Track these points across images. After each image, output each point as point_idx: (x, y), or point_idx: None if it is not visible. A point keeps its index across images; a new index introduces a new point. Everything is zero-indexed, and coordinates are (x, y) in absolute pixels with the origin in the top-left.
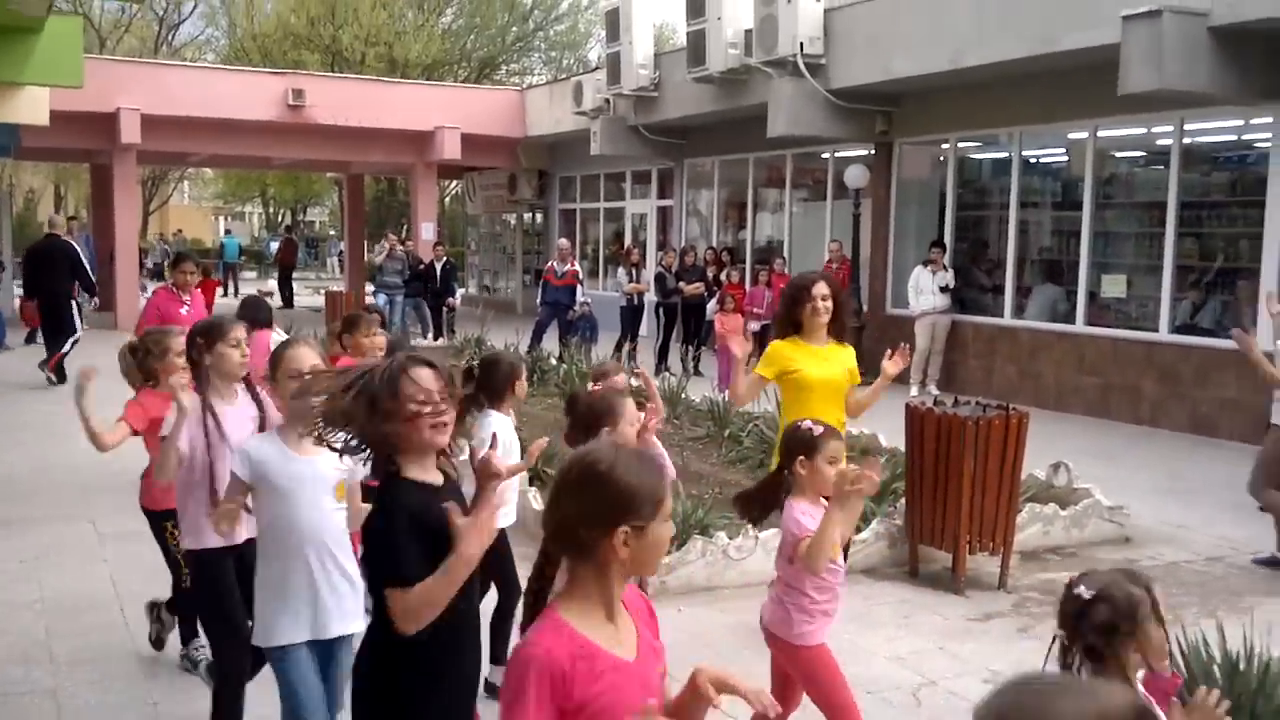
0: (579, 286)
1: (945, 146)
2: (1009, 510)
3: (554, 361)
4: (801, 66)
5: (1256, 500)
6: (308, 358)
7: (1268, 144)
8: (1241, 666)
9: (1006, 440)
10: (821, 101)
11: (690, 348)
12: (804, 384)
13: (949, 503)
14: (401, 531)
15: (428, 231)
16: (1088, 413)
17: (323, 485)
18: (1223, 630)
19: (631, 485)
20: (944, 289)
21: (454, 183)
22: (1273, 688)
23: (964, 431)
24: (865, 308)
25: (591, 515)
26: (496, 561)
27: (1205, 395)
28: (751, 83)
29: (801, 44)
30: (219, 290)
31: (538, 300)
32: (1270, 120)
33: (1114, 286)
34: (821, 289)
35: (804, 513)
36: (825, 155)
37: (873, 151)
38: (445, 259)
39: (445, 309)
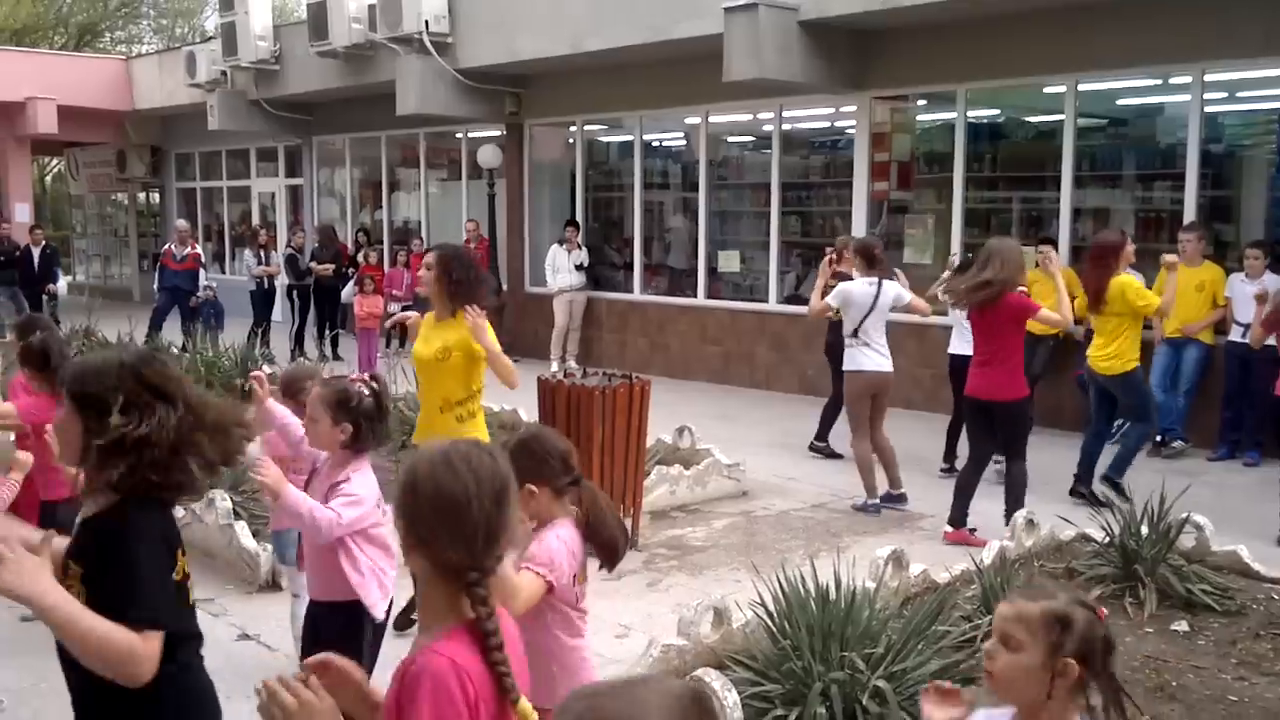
0: (201, 270)
1: (574, 129)
2: (637, 473)
3: (175, 350)
4: (428, 44)
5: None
6: None
7: (853, 130)
8: (832, 596)
9: (631, 407)
10: (450, 80)
11: (327, 331)
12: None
13: (582, 470)
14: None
15: (22, 213)
16: (710, 379)
17: None
18: (815, 565)
19: None
20: (579, 267)
21: (55, 160)
22: (858, 613)
23: (592, 401)
24: (505, 287)
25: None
26: None
27: (811, 359)
28: (378, 59)
29: (426, 21)
30: None
31: (155, 286)
32: (854, 108)
33: (729, 262)
34: (428, 258)
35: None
36: (459, 135)
37: (504, 132)
38: (45, 243)
39: (46, 297)
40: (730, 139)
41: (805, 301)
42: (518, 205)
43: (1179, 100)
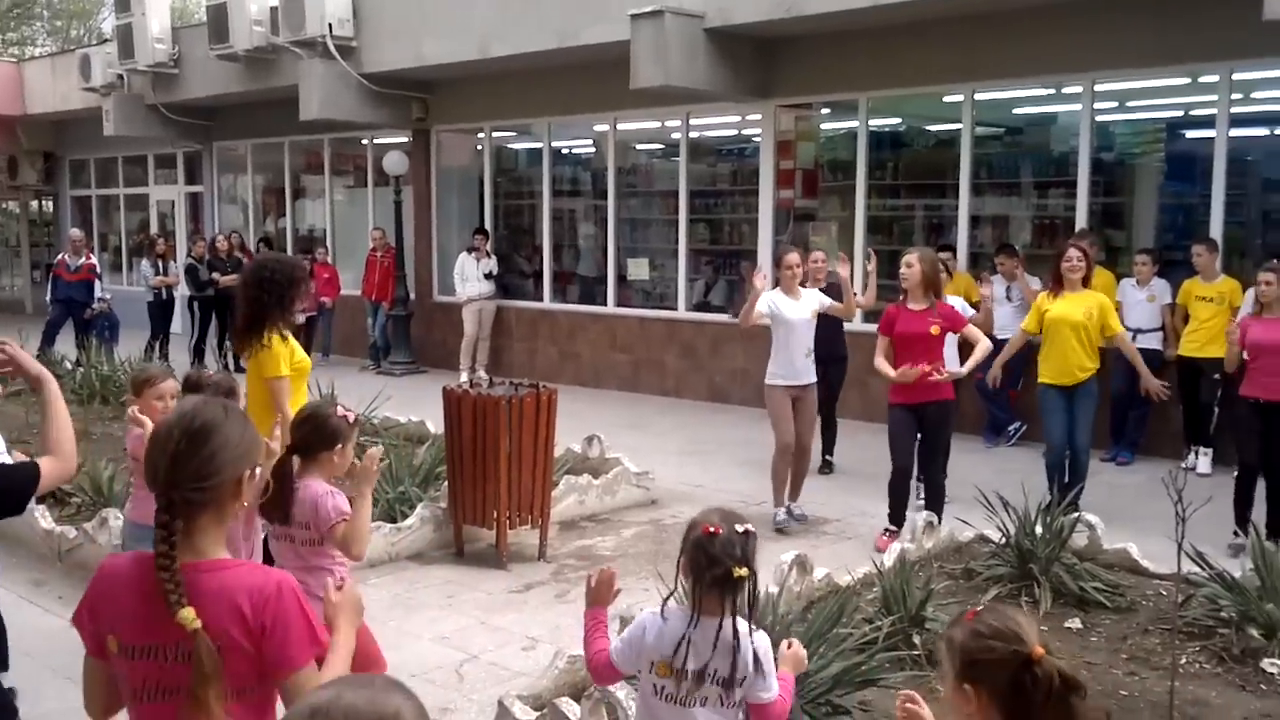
0: (96, 281)
1: (481, 135)
2: (545, 483)
3: (69, 365)
4: (331, 48)
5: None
6: None
7: (759, 138)
8: None
9: (539, 417)
10: (355, 85)
11: (228, 342)
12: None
13: (488, 481)
14: None
15: None
16: (621, 387)
17: None
18: None
19: (253, 432)
20: (488, 275)
21: None
22: (761, 617)
23: (498, 411)
24: (412, 295)
25: (230, 463)
26: None
27: (719, 366)
28: (281, 63)
29: (330, 24)
30: None
31: (48, 298)
32: (760, 117)
33: (639, 269)
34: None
35: (332, 492)
36: (364, 141)
37: (411, 138)
38: None
39: None
40: (639, 146)
41: (714, 308)
42: (425, 213)
43: (1071, 109)
